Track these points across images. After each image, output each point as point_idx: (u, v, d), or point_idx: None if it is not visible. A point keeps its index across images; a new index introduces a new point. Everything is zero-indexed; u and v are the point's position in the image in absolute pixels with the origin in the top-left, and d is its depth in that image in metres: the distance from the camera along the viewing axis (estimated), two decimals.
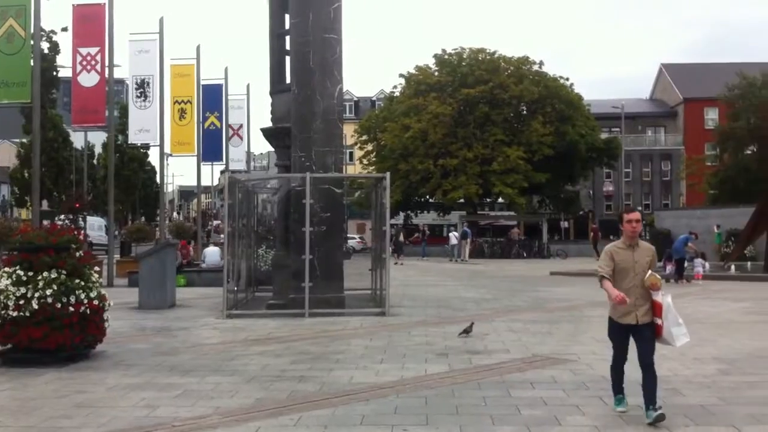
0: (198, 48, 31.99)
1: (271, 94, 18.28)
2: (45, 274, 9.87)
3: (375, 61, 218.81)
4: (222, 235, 24.46)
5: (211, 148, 34.17)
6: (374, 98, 75.88)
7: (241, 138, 39.41)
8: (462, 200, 52.30)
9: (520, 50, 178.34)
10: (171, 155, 38.32)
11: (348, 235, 50.10)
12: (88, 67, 23.71)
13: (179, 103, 31.54)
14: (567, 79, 55.20)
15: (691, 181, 58.01)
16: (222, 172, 39.72)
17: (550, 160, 50.86)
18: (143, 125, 27.71)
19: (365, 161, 57.72)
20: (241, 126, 39.14)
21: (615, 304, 6.83)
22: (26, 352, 9.82)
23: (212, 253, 25.13)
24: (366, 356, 10.41)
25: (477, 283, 24.99)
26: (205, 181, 44.97)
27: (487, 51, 54.68)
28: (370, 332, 12.89)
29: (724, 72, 56.01)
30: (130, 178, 64.98)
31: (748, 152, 50.59)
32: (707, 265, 26.38)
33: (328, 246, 15.57)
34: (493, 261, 43.39)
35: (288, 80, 17.11)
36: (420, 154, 50.44)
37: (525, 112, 54.00)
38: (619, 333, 7.05)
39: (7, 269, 10.08)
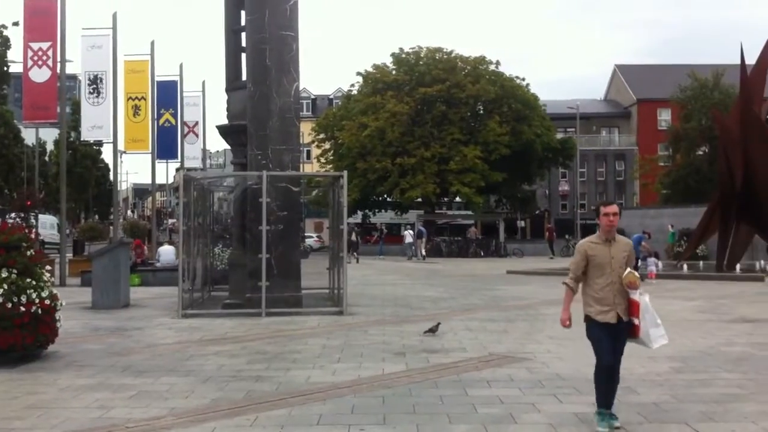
0: (152, 44, 31.61)
1: (227, 91, 18.12)
2: None
3: (332, 60, 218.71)
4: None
5: (165, 145, 33.78)
6: (331, 96, 75.69)
7: (197, 135, 39.04)
8: (420, 199, 52.43)
9: (477, 50, 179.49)
10: (125, 152, 37.74)
11: (305, 234, 50.06)
12: (40, 63, 23.30)
13: (133, 100, 31.13)
14: (523, 80, 55.68)
15: (645, 180, 58.86)
16: (177, 170, 39.27)
17: (507, 160, 51.22)
18: (96, 122, 27.22)
19: (323, 160, 57.55)
20: (196, 123, 38.78)
21: (590, 303, 6.59)
22: None
23: (167, 252, 24.84)
24: (323, 356, 10.38)
25: (434, 281, 25.08)
26: (160, 179, 44.32)
27: (444, 50, 54.92)
28: (327, 331, 12.86)
29: (677, 73, 56.92)
30: (83, 175, 64.12)
31: (700, 153, 51.62)
32: (660, 264, 26.82)
33: (285, 245, 15.49)
34: (451, 260, 43.59)
35: (244, 77, 16.99)
36: (377, 153, 50.43)
37: (482, 111, 54.31)
38: (599, 333, 6.57)
39: None
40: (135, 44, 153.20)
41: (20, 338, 9.67)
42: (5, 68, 40.66)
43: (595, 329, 6.59)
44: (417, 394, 7.98)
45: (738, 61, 26.41)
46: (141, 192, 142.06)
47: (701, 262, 29.18)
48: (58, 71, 23.75)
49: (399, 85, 53.14)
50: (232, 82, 17.86)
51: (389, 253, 46.32)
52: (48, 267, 10.91)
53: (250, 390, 8.23)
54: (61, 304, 10.50)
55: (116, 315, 15.43)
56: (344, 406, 7.50)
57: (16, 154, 54.38)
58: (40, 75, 23.37)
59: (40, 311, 9.83)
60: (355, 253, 41.29)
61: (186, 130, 36.53)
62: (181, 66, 34.89)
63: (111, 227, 38.86)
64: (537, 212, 67.47)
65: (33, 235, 11.06)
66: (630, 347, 6.76)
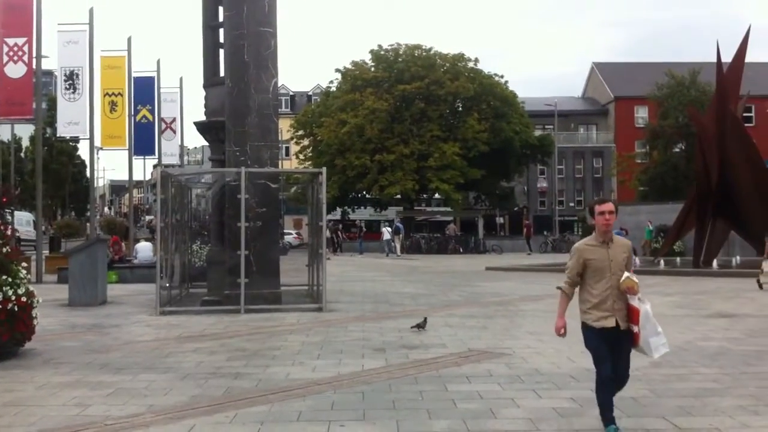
0: (129, 39, 31.33)
1: (205, 87, 18.03)
2: None
3: (311, 56, 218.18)
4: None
5: (143, 141, 33.52)
6: (310, 93, 75.50)
7: (174, 132, 38.76)
8: (399, 196, 52.51)
9: (456, 47, 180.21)
10: (101, 149, 37.47)
11: (284, 231, 49.92)
12: (15, 58, 23.07)
13: (110, 96, 30.87)
14: (502, 77, 55.95)
15: (622, 177, 59.29)
16: (155, 167, 38.98)
17: (486, 157, 51.42)
18: (72, 118, 26.97)
19: (301, 156, 57.47)
20: (174, 119, 38.49)
21: (588, 309, 6.13)
22: None
23: (144, 249, 24.67)
24: (303, 352, 10.35)
25: (414, 278, 25.10)
26: (138, 176, 44.11)
27: (423, 47, 55.04)
28: (306, 328, 12.83)
29: (654, 71, 57.40)
30: (59, 172, 63.52)
31: (677, 150, 52.07)
32: (638, 260, 26.99)
33: (264, 241, 15.45)
34: (430, 256, 43.66)
35: (222, 73, 16.89)
36: (357, 150, 50.43)
37: (460, 108, 54.48)
38: (598, 341, 6.08)
39: None
40: (112, 40, 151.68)
41: None
42: None
43: (592, 337, 6.12)
44: (397, 390, 7.98)
45: (714, 59, 26.62)
46: (118, 189, 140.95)
47: (678, 258, 29.41)
48: (34, 67, 23.54)
49: (378, 82, 53.18)
50: (210, 79, 17.77)
51: (369, 250, 46.28)
52: (24, 264, 10.82)
53: (229, 387, 8.19)
54: (38, 302, 10.41)
55: (93, 312, 15.31)
56: (324, 402, 7.48)
57: None
58: (15, 71, 23.14)
59: (16, 308, 9.73)
60: (330, 249, 41.22)
61: (163, 126, 36.25)
62: (158, 62, 34.51)
63: (87, 224, 38.61)
64: (516, 209, 67.77)
65: (9, 232, 10.92)
66: None
